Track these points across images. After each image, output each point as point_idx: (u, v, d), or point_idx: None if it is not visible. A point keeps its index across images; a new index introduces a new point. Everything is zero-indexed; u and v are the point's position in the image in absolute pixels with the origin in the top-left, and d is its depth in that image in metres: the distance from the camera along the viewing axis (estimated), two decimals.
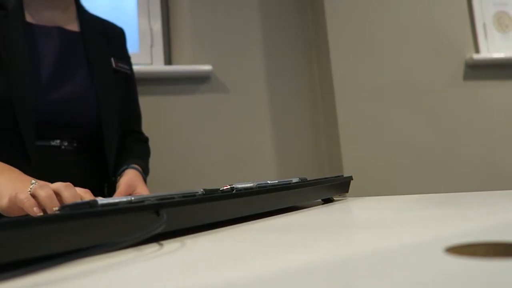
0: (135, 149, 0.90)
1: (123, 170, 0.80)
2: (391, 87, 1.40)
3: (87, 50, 0.84)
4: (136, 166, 0.82)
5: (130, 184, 0.75)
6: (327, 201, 0.58)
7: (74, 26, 0.86)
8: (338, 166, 1.36)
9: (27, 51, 0.74)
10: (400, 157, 1.37)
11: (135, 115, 0.97)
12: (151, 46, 1.40)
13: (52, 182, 0.70)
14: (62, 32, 0.82)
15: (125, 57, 0.94)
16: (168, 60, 1.42)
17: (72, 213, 0.24)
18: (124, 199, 0.28)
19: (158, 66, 1.37)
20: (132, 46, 1.39)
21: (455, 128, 1.44)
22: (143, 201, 0.29)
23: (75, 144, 0.79)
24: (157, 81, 1.34)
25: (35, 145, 0.73)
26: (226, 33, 1.43)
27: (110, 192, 0.82)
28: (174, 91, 1.35)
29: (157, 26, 1.41)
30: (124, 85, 0.91)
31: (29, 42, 0.76)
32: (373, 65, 1.40)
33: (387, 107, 1.39)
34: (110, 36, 0.91)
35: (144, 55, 1.39)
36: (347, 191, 0.63)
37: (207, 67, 1.35)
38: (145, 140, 0.97)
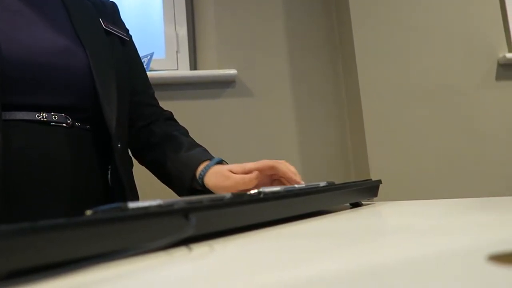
0: (183, 139, 0.78)
1: (204, 174, 0.69)
2: (419, 89, 1.37)
3: (69, 10, 0.70)
4: (209, 160, 0.71)
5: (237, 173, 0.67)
6: (355, 205, 0.57)
7: None
8: (365, 170, 1.33)
9: None
10: (429, 162, 1.33)
11: (147, 84, 0.84)
12: (177, 51, 1.42)
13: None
14: None
15: (119, 24, 0.82)
16: (194, 65, 1.44)
17: (103, 217, 0.25)
18: (154, 203, 0.28)
19: (184, 71, 1.39)
20: (158, 52, 1.41)
21: (487, 130, 1.39)
22: (172, 205, 0.29)
23: (69, 120, 0.64)
24: (182, 86, 1.35)
25: (15, 120, 0.58)
26: (251, 37, 1.43)
27: (114, 177, 0.68)
28: (199, 96, 1.37)
29: (183, 32, 1.43)
30: (122, 50, 0.78)
31: None
32: (400, 67, 1.37)
33: (415, 109, 1.36)
34: (98, 3, 0.79)
35: (170, 60, 1.41)
36: (375, 195, 0.62)
37: (232, 71, 1.36)
38: (173, 117, 0.86)
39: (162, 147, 0.78)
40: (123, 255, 0.24)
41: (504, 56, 1.41)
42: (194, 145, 0.78)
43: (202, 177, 0.70)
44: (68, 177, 0.63)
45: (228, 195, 0.35)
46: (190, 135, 0.84)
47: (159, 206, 0.28)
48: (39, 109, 0.61)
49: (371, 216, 0.42)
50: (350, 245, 0.25)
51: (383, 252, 0.22)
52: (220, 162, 0.73)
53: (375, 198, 0.64)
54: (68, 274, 0.21)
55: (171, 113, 0.88)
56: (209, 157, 0.74)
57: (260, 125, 1.39)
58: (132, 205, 0.28)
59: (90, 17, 0.73)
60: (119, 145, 0.68)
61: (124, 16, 0.91)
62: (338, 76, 1.49)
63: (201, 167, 0.71)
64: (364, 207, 0.55)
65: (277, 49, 1.45)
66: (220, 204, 0.33)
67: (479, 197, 0.54)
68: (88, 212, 0.25)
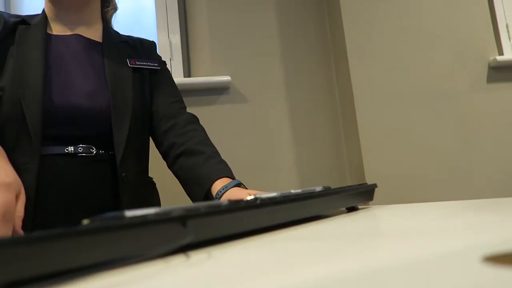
0: (201, 151, 0.82)
1: (224, 192, 0.71)
2: (412, 92, 1.38)
3: (104, 56, 0.84)
4: (232, 180, 0.73)
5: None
6: (351, 209, 0.57)
7: (96, 38, 0.87)
8: (360, 174, 1.34)
9: (42, 56, 0.76)
10: (424, 164, 1.34)
11: (170, 98, 0.91)
12: (171, 59, 1.42)
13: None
14: (81, 38, 0.84)
15: (153, 58, 0.93)
16: (188, 73, 1.44)
17: (100, 225, 0.25)
18: (152, 211, 0.28)
19: (178, 78, 1.39)
20: None
21: (480, 132, 1.40)
22: (169, 213, 0.29)
23: (92, 149, 0.77)
24: None
25: (50, 155, 0.73)
26: (244, 43, 1.44)
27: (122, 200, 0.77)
28: (194, 103, 1.37)
29: (176, 39, 1.44)
30: (152, 78, 0.90)
31: (45, 49, 0.78)
32: (393, 71, 1.38)
33: (408, 113, 1.37)
34: (137, 44, 0.92)
35: None
36: (371, 199, 0.62)
37: (226, 78, 1.36)
38: (194, 119, 0.91)
39: (180, 163, 0.82)
40: (120, 263, 0.24)
41: (495, 59, 1.43)
42: (211, 156, 0.80)
43: (219, 198, 0.71)
44: (90, 200, 0.75)
45: (225, 202, 0.35)
46: None
47: (156, 214, 0.28)
48: (67, 142, 0.75)
49: (367, 219, 0.42)
50: (346, 249, 0.25)
51: (379, 255, 0.22)
52: (239, 185, 0.72)
53: (370, 202, 0.64)
54: (66, 284, 0.21)
55: (194, 116, 0.92)
56: (221, 174, 0.74)
57: (255, 130, 1.39)
58: (129, 213, 0.28)
59: (120, 61, 0.85)
60: (123, 174, 0.78)
61: (117, 24, 0.92)
62: (331, 80, 1.50)
63: (217, 186, 0.72)
64: (360, 211, 0.56)
65: (271, 55, 1.45)
66: (217, 211, 0.33)
67: (473, 199, 0.55)
68: (85, 221, 0.25)
